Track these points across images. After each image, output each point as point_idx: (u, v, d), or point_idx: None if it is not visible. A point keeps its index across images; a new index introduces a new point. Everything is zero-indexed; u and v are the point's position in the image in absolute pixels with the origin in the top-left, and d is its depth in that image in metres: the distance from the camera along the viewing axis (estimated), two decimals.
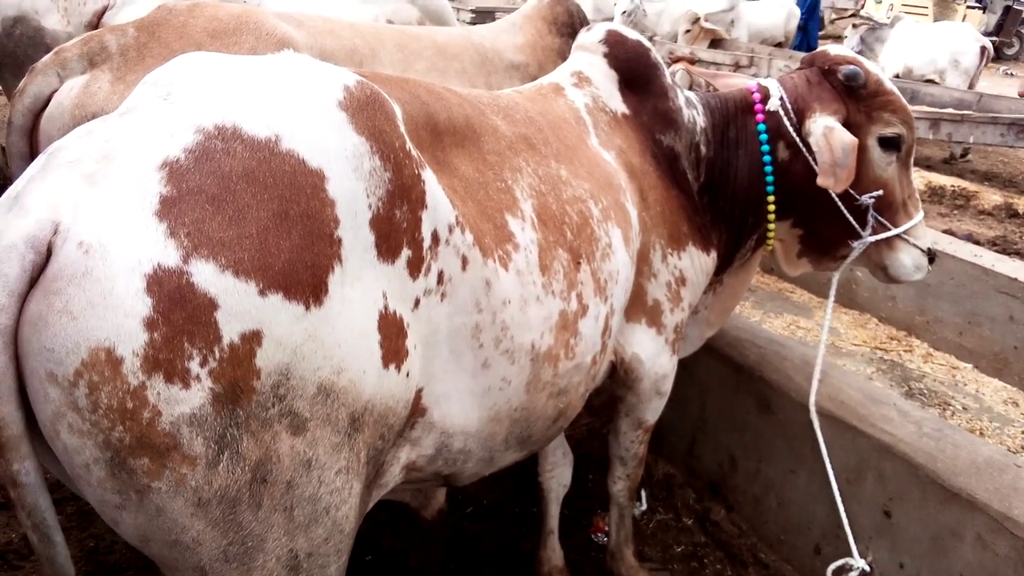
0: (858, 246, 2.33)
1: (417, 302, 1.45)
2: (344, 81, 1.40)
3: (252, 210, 1.19)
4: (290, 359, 1.21)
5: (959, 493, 2.16)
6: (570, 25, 3.21)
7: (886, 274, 2.44)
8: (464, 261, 1.53)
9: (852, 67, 2.25)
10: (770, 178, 2.33)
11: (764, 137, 2.32)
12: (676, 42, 10.41)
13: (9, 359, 1.12)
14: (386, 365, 1.37)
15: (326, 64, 1.47)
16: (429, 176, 1.48)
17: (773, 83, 2.37)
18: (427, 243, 1.45)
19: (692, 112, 2.35)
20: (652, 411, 2.40)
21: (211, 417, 1.15)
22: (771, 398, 2.71)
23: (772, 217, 2.39)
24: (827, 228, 2.37)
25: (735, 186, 2.36)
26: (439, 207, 1.48)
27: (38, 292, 1.11)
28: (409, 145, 1.45)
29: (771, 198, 2.35)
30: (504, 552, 2.86)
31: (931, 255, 2.41)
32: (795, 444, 2.62)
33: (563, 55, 2.69)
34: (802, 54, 10.32)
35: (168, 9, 2.56)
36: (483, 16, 10.12)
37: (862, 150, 2.25)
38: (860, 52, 10.18)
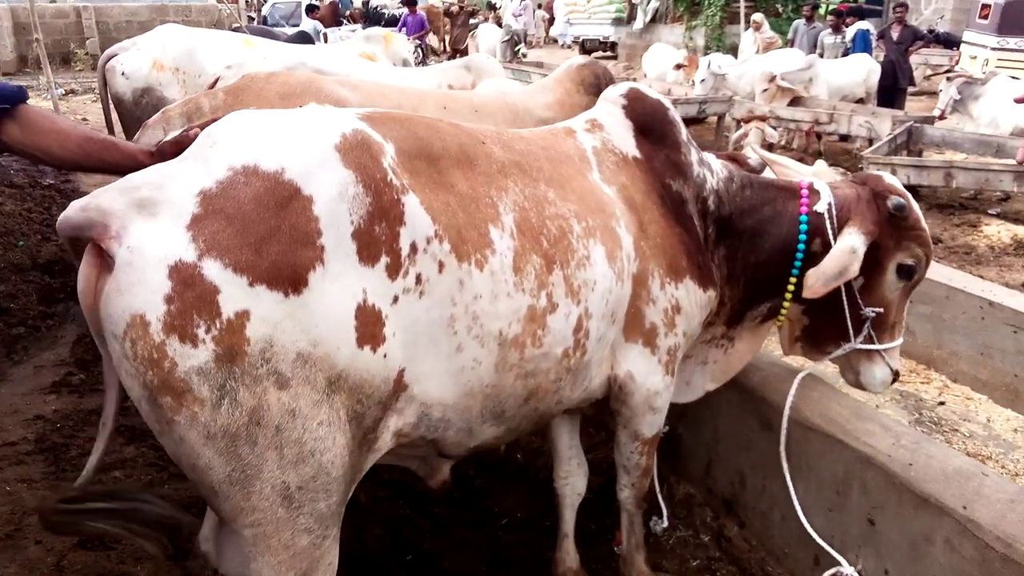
0: (845, 348, 2.65)
1: (396, 299, 1.79)
2: (343, 129, 1.80)
3: (255, 225, 1.58)
4: (272, 331, 1.58)
5: (928, 499, 2.29)
6: (596, 85, 3.57)
7: (856, 378, 2.75)
8: (440, 265, 1.87)
9: (901, 199, 2.52)
10: (798, 263, 2.58)
11: (805, 227, 2.56)
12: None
13: (93, 324, 1.57)
14: (361, 345, 1.71)
15: (340, 112, 1.90)
16: (411, 200, 1.83)
17: (825, 187, 2.62)
18: (405, 252, 1.79)
19: (704, 170, 2.58)
20: (647, 425, 2.60)
21: (214, 370, 1.53)
22: (771, 418, 2.89)
23: (789, 296, 2.64)
24: (828, 325, 2.65)
25: (758, 255, 2.61)
26: (417, 224, 1.82)
27: (107, 279, 1.54)
28: (391, 176, 1.81)
29: (793, 279, 2.60)
30: (531, 559, 3.09)
31: (896, 376, 2.72)
32: (792, 460, 2.78)
33: None
34: (885, 111, 10.16)
35: (251, 77, 3.12)
36: None
37: (881, 271, 2.56)
38: (956, 103, 9.97)
